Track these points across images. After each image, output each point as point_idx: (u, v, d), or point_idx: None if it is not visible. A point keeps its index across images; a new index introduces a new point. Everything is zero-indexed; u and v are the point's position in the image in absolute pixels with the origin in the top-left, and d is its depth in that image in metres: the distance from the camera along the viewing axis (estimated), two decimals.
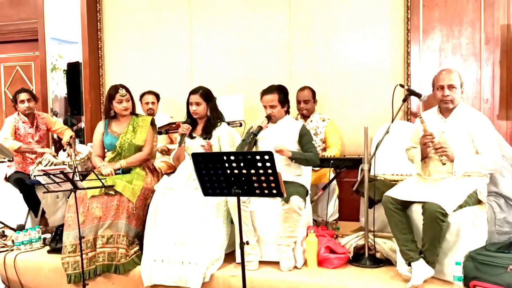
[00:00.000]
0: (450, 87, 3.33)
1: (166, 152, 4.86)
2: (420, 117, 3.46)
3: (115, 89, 4.12)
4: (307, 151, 3.79)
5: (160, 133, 4.59)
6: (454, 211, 3.13)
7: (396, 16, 4.85)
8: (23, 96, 4.94)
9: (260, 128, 3.79)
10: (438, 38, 4.70)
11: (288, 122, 3.92)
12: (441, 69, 3.49)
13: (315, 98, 4.74)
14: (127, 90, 4.14)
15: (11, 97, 5.88)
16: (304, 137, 3.83)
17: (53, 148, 5.69)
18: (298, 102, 4.73)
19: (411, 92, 4.17)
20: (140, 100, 5.13)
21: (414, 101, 4.72)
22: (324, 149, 4.68)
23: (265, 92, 3.88)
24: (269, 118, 3.82)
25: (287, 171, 3.76)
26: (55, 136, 5.92)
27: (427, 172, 3.47)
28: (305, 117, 4.76)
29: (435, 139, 3.33)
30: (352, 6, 4.97)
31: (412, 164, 3.59)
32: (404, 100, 4.26)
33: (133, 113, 4.24)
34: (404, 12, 4.78)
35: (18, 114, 4.98)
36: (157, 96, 5.16)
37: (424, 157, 3.46)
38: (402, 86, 4.13)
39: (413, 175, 3.67)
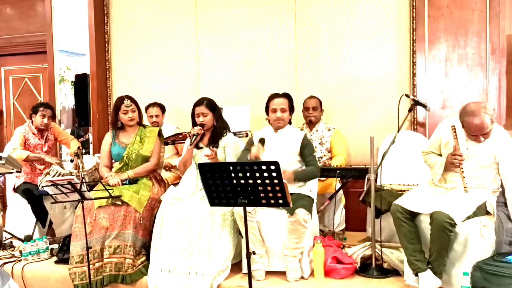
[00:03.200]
0: (484, 134, 3.20)
1: (169, 168, 4.87)
2: (454, 132, 3.29)
3: (120, 100, 4.16)
4: (308, 163, 3.79)
5: (166, 143, 4.61)
6: (462, 221, 3.12)
7: (402, 27, 4.86)
8: (46, 112, 4.95)
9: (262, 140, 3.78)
10: (443, 48, 4.71)
11: (290, 132, 3.91)
12: (467, 112, 3.18)
13: (322, 108, 4.76)
14: (133, 100, 4.17)
15: (20, 110, 5.94)
16: (306, 149, 3.80)
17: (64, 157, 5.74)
18: (307, 109, 4.73)
19: (416, 102, 4.18)
20: (146, 112, 5.16)
21: (421, 111, 4.72)
22: (330, 159, 4.68)
23: (275, 95, 3.88)
24: (263, 141, 3.78)
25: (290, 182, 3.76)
26: (63, 147, 5.97)
27: (443, 180, 3.43)
28: (312, 124, 4.75)
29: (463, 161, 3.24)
30: (358, 16, 5.00)
31: (428, 169, 3.55)
32: (410, 110, 4.26)
33: (140, 123, 4.26)
34: (410, 23, 4.80)
35: (29, 125, 5.01)
36: (162, 108, 5.17)
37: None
38: (407, 96, 4.13)
39: (421, 183, 3.65)
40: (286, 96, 3.88)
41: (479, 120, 3.12)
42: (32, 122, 4.99)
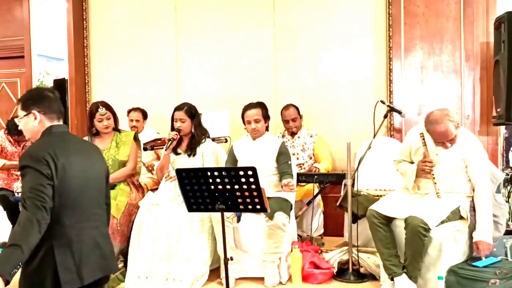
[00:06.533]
0: (450, 140, 3.27)
1: (152, 168, 4.85)
2: (423, 139, 3.35)
3: (95, 107, 4.09)
4: (282, 171, 3.82)
5: (145, 149, 4.59)
6: (436, 226, 3.17)
7: (379, 34, 4.93)
8: None
9: None
10: (419, 55, 4.79)
11: (268, 140, 3.96)
12: (431, 120, 3.27)
13: (300, 114, 4.79)
14: (108, 108, 4.10)
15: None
16: (282, 156, 3.86)
17: None
18: (286, 121, 4.77)
19: (391, 109, 4.24)
20: (128, 115, 5.15)
21: (397, 117, 4.77)
22: (312, 165, 4.71)
23: (248, 107, 3.93)
24: None
25: (270, 186, 3.79)
26: None
27: (416, 187, 3.48)
28: (293, 134, 4.80)
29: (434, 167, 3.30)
30: (336, 24, 5.05)
31: (401, 177, 3.61)
32: (385, 116, 4.32)
33: (116, 129, 4.22)
34: (386, 30, 4.87)
35: (5, 132, 4.96)
36: (144, 114, 5.17)
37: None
38: (383, 102, 4.19)
39: (396, 189, 3.70)
40: (259, 105, 3.92)
41: (443, 127, 3.19)
42: (5, 131, 4.93)
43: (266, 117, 3.94)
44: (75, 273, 2.17)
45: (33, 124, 2.29)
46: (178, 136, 3.97)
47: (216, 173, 2.71)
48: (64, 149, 2.21)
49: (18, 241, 2.00)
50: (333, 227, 4.70)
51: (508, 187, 4.36)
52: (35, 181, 2.07)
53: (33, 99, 2.31)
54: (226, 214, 3.38)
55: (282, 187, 3.61)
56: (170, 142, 3.94)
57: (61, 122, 2.35)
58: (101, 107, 4.06)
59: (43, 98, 2.31)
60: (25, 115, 2.30)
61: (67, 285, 2.14)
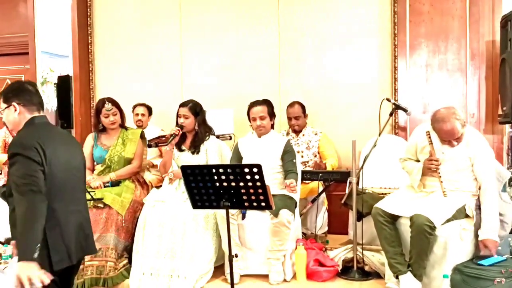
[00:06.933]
0: (456, 139, 3.26)
1: (150, 167, 4.85)
2: (429, 137, 3.34)
3: (102, 103, 4.11)
4: (287, 169, 3.82)
5: (150, 146, 4.59)
6: (442, 224, 3.16)
7: (384, 32, 4.92)
8: None
9: None
10: (424, 53, 4.78)
11: (273, 137, 3.96)
12: (437, 118, 3.24)
13: (305, 113, 4.78)
14: (114, 103, 4.12)
15: None
16: (287, 154, 3.86)
17: None
18: (289, 118, 4.77)
19: (397, 106, 4.22)
20: (133, 111, 5.16)
21: (402, 115, 4.77)
22: (316, 163, 4.71)
23: (254, 104, 3.93)
24: None
25: (274, 184, 3.79)
26: None
27: (422, 185, 3.46)
28: (297, 132, 4.80)
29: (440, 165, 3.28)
30: (341, 22, 5.04)
31: (407, 175, 3.59)
32: (391, 114, 4.31)
33: (122, 126, 4.23)
34: (391, 28, 4.86)
35: (9, 128, 4.95)
36: (149, 109, 5.19)
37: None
38: (388, 100, 4.18)
39: (402, 187, 3.69)
40: (265, 103, 3.93)
41: (450, 126, 3.17)
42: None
43: (272, 114, 3.94)
44: (65, 253, 2.39)
45: (13, 115, 2.47)
46: (180, 132, 3.96)
47: (221, 170, 2.70)
48: (50, 138, 2.40)
49: (30, 222, 2.17)
50: (337, 225, 4.69)
51: None
52: (27, 167, 2.25)
53: (13, 92, 2.49)
54: (231, 211, 3.38)
55: (285, 186, 3.61)
56: (172, 137, 3.94)
57: (41, 114, 2.53)
58: (107, 102, 4.08)
59: (23, 91, 2.49)
60: (6, 107, 2.48)
61: (58, 265, 2.34)
